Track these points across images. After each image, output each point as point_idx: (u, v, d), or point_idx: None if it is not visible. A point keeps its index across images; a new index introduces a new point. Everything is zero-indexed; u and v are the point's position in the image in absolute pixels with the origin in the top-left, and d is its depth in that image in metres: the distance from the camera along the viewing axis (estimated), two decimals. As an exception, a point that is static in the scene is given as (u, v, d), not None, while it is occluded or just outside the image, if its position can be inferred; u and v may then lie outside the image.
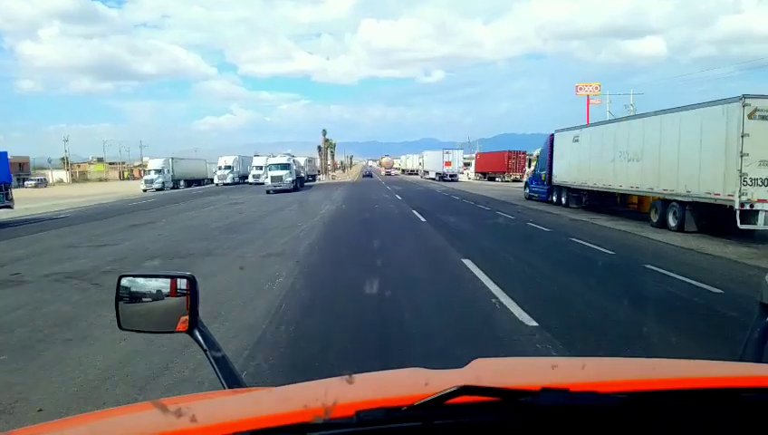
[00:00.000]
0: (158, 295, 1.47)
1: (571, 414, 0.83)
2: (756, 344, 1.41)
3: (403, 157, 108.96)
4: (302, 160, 63.18)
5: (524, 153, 55.05)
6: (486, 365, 1.15)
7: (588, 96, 76.97)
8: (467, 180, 56.74)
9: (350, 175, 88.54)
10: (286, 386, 1.00)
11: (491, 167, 57.18)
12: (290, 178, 37.30)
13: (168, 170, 52.92)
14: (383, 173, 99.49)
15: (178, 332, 1.45)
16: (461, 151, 59.70)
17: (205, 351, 1.45)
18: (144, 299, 1.49)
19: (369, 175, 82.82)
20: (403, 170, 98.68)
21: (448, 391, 0.78)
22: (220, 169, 58.19)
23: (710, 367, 1.19)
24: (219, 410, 0.97)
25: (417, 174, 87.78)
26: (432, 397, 0.78)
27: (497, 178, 55.02)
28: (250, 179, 50.50)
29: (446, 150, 56.33)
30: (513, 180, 52.60)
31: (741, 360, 1.40)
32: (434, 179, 57.76)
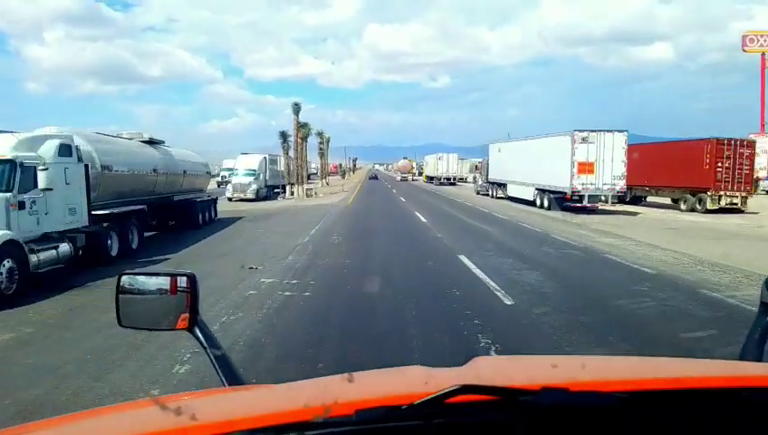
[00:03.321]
0: (158, 293, 1.44)
1: (572, 413, 0.81)
2: (757, 344, 1.36)
3: (429, 157, 69.94)
4: (254, 160, 32.82)
5: (753, 142, 24.02)
6: (486, 364, 1.19)
7: (763, 53, 46.18)
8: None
9: (350, 184, 56.83)
10: (286, 384, 0.99)
11: (650, 177, 24.99)
12: None
13: None
14: (398, 179, 73.97)
15: (179, 329, 1.41)
16: (623, 135, 21.75)
17: (205, 348, 1.40)
18: (144, 297, 1.45)
19: (375, 177, 77.50)
20: (428, 178, 64.65)
21: (449, 389, 0.77)
22: None
23: (710, 366, 1.19)
24: (219, 407, 0.96)
25: (453, 184, 56.19)
26: (432, 396, 0.77)
27: (679, 203, 23.74)
28: None
29: (581, 133, 21.46)
30: (727, 208, 21.24)
31: (741, 359, 1.35)
32: (529, 202, 25.51)
